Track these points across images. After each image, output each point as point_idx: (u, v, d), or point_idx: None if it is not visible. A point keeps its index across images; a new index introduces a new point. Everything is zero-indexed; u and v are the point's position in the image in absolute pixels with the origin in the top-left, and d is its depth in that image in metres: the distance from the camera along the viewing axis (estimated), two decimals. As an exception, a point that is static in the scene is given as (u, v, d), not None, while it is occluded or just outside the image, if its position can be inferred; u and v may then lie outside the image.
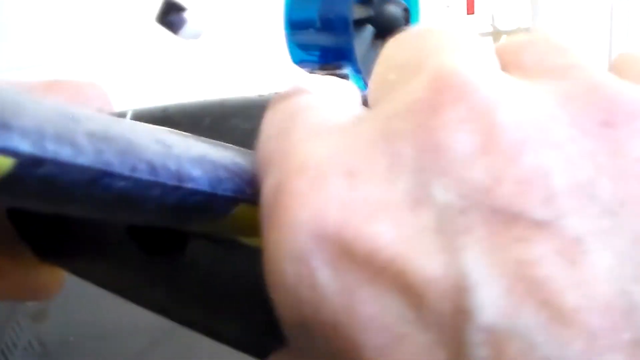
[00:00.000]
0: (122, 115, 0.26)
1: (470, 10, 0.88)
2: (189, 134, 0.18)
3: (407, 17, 0.23)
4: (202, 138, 0.18)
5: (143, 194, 0.13)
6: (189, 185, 0.14)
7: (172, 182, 0.13)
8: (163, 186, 0.13)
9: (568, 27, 0.67)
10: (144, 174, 0.13)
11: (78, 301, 0.64)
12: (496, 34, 0.91)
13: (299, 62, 0.23)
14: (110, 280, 0.28)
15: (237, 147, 0.19)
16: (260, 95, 0.24)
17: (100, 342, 0.63)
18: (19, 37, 0.83)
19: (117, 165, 0.12)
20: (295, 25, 0.22)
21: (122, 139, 0.13)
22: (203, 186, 0.14)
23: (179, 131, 0.18)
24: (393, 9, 0.22)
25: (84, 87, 0.30)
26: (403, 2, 0.23)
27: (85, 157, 0.12)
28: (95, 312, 0.63)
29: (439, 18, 0.89)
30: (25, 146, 0.10)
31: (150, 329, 0.59)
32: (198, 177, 0.14)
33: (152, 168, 0.13)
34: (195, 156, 0.14)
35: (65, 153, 0.11)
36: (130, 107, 0.29)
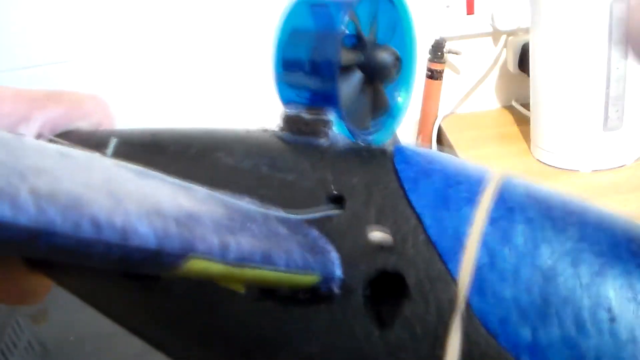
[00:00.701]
0: (107, 141, 0.25)
1: (470, 10, 0.88)
2: (156, 173, 0.18)
3: (398, 65, 0.23)
4: (173, 180, 0.18)
5: (86, 251, 0.13)
6: (134, 242, 0.13)
7: (116, 240, 0.13)
8: (106, 244, 0.13)
9: (568, 27, 0.67)
10: (87, 232, 0.12)
11: (78, 301, 0.64)
12: (496, 34, 0.91)
13: (287, 101, 0.23)
14: (93, 298, 0.28)
15: (208, 192, 0.18)
16: (247, 130, 0.24)
17: (100, 342, 0.63)
18: (19, 37, 0.83)
19: (59, 223, 0.12)
20: (286, 65, 0.22)
21: (69, 195, 0.13)
22: (148, 243, 0.14)
23: (153, 171, 0.18)
24: (384, 56, 0.22)
25: (85, 100, 0.30)
26: (395, 49, 0.23)
27: (26, 217, 0.11)
28: (95, 312, 0.63)
29: (439, 18, 0.89)
30: None
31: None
32: (144, 233, 0.13)
33: (97, 225, 0.13)
34: (147, 210, 0.14)
35: (5, 214, 0.11)
36: (127, 121, 0.29)
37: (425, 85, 0.87)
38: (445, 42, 0.85)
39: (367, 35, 0.23)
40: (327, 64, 0.21)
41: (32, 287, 0.27)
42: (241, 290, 0.18)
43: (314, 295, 0.18)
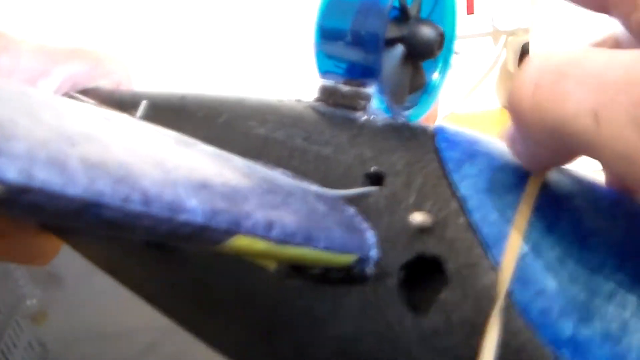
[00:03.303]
0: (136, 103, 0.24)
1: (470, 10, 0.88)
2: (199, 142, 0.18)
3: (441, 42, 0.22)
4: (212, 150, 0.17)
5: (133, 223, 0.12)
6: (182, 217, 0.13)
7: (165, 214, 0.13)
8: (155, 218, 0.12)
9: (568, 28, 0.67)
10: (136, 205, 0.12)
11: (78, 301, 0.64)
12: (496, 34, 0.91)
13: (325, 72, 0.22)
14: (106, 261, 0.27)
15: (247, 163, 0.18)
16: (280, 100, 0.23)
17: (100, 342, 0.63)
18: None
19: (109, 195, 0.12)
20: (326, 35, 0.21)
21: (119, 164, 0.12)
22: (196, 218, 0.13)
23: (190, 139, 0.18)
24: (428, 32, 0.21)
25: (106, 60, 0.29)
26: (439, 26, 0.22)
27: (76, 187, 0.11)
28: (95, 312, 0.63)
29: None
30: (12, 174, 0.10)
31: (150, 329, 0.59)
32: (193, 208, 0.13)
33: (146, 198, 0.12)
34: (195, 183, 0.14)
35: (54, 182, 0.11)
36: (148, 87, 0.29)
37: (425, 85, 0.87)
38: (445, 42, 0.85)
39: (410, 7, 0.22)
40: (372, 36, 0.20)
41: (41, 247, 0.27)
42: (272, 266, 0.17)
43: (346, 276, 0.18)
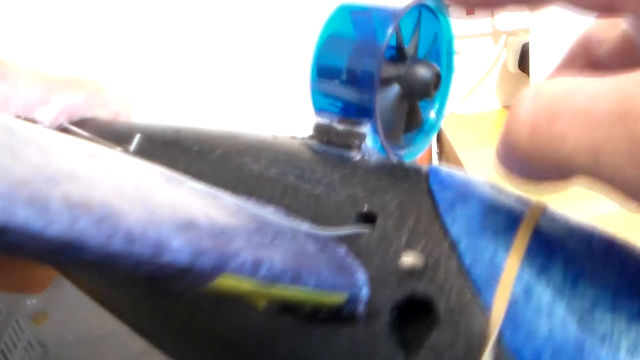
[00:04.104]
0: (131, 135, 0.24)
1: (470, 10, 0.88)
2: (188, 180, 0.17)
3: (438, 81, 0.22)
4: (201, 188, 0.17)
5: (115, 263, 0.12)
6: (166, 256, 0.13)
7: (148, 254, 0.12)
8: (138, 257, 0.12)
9: (568, 28, 0.67)
10: (118, 245, 0.12)
11: (78, 301, 0.64)
12: (496, 34, 0.91)
13: (320, 110, 0.22)
14: (98, 294, 0.27)
15: (236, 201, 0.18)
16: (274, 137, 0.23)
17: (100, 342, 0.63)
18: (18, 38, 0.83)
19: (91, 234, 0.11)
20: (322, 73, 0.21)
21: (102, 203, 0.12)
22: (181, 258, 0.13)
23: (180, 176, 0.17)
24: (424, 72, 0.21)
25: (104, 89, 0.29)
26: (436, 66, 0.22)
27: (56, 227, 0.11)
28: (95, 313, 0.63)
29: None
30: None
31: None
32: (177, 248, 0.13)
33: (129, 238, 0.12)
34: (180, 222, 0.13)
35: (34, 222, 0.10)
36: (145, 118, 0.28)
37: (425, 85, 0.87)
38: (445, 42, 0.85)
39: (407, 46, 0.22)
40: (367, 75, 0.20)
41: (35, 276, 0.27)
42: (261, 305, 0.17)
43: (336, 315, 0.18)
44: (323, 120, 0.22)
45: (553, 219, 0.18)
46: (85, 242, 0.11)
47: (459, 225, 0.17)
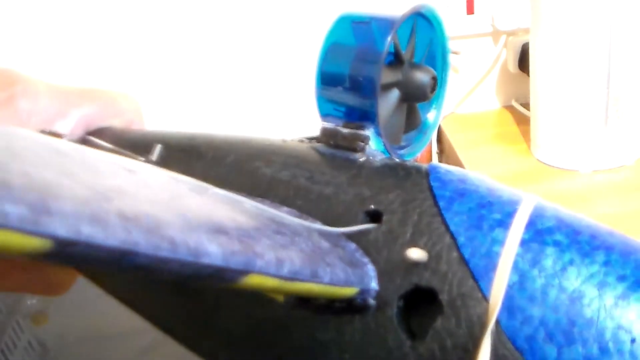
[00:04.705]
0: (147, 144, 0.26)
1: (470, 10, 0.88)
2: (211, 187, 0.19)
3: (434, 85, 0.23)
4: (223, 194, 0.19)
5: (162, 267, 0.14)
6: (204, 260, 0.14)
7: (189, 259, 0.14)
8: (181, 262, 0.14)
9: (568, 27, 0.67)
10: (165, 252, 0.13)
11: (78, 302, 0.64)
12: (496, 34, 0.91)
13: (325, 115, 0.23)
14: (120, 292, 0.28)
15: (256, 205, 0.19)
16: (284, 141, 0.25)
17: (100, 342, 0.63)
18: (18, 38, 0.83)
19: (143, 244, 0.13)
20: (326, 81, 0.23)
21: (149, 216, 0.14)
22: (216, 261, 0.15)
23: (203, 184, 0.19)
24: (421, 76, 0.23)
25: (118, 98, 0.30)
26: (432, 70, 0.23)
27: (115, 239, 0.12)
28: (95, 313, 0.63)
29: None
30: (62, 230, 0.11)
31: (150, 329, 0.59)
32: (213, 252, 0.15)
33: (173, 246, 0.14)
34: (213, 229, 0.15)
35: (97, 236, 0.12)
36: (157, 126, 0.29)
37: (425, 85, 0.87)
38: (445, 42, 0.85)
39: (405, 52, 0.23)
40: (368, 82, 0.21)
41: (58, 277, 0.27)
42: (280, 298, 0.18)
43: (349, 306, 0.19)
44: (329, 124, 0.23)
45: (544, 210, 0.19)
46: (137, 250, 0.13)
47: (458, 219, 0.19)
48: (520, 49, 0.87)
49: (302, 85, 0.88)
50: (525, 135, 0.81)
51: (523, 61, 0.85)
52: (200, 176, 0.20)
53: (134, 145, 0.26)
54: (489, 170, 0.76)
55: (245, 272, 0.15)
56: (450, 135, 0.87)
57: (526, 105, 0.84)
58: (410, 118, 0.24)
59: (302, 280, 0.17)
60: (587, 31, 0.66)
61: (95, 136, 0.28)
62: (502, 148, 0.82)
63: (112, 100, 0.30)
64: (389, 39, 0.21)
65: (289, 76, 0.88)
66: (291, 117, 0.91)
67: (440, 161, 0.93)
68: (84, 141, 0.27)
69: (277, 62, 0.88)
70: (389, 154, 0.23)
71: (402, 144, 0.25)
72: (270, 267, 0.16)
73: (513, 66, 0.89)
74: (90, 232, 0.12)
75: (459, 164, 0.81)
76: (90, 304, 0.63)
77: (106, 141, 0.27)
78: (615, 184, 0.69)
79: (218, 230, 0.15)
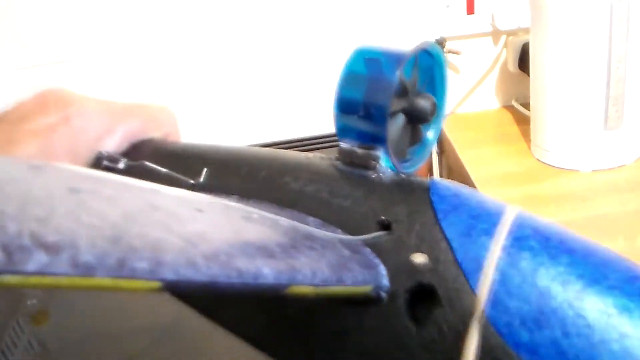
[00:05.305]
0: (188, 159, 0.31)
1: (470, 10, 0.88)
2: (255, 210, 0.24)
3: (434, 110, 0.27)
4: (266, 217, 0.24)
5: (231, 290, 0.18)
6: (261, 281, 0.19)
7: (251, 281, 0.18)
8: (245, 285, 0.18)
9: (568, 27, 0.67)
10: (234, 279, 0.18)
11: (78, 301, 0.64)
12: (496, 34, 0.91)
13: (343, 137, 0.27)
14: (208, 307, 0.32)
15: (291, 224, 0.24)
16: (307, 157, 0.29)
17: (100, 342, 0.63)
18: (19, 38, 0.83)
19: (220, 276, 0.18)
20: (343, 108, 0.27)
21: (222, 253, 0.18)
22: (269, 280, 0.19)
23: (249, 209, 0.24)
24: (424, 103, 0.27)
25: (157, 112, 0.33)
26: (433, 97, 0.27)
27: (202, 275, 0.17)
28: (95, 313, 0.63)
29: (439, 18, 0.89)
30: (168, 275, 0.16)
31: (150, 329, 0.59)
32: (267, 274, 0.19)
33: (240, 273, 0.18)
34: (266, 253, 0.20)
35: (190, 276, 0.17)
36: (192, 139, 0.33)
37: (425, 85, 0.87)
38: (445, 41, 0.85)
39: (409, 81, 0.27)
40: (379, 112, 0.26)
41: None
42: (312, 295, 0.22)
43: (365, 300, 0.23)
44: (345, 145, 0.28)
45: (522, 220, 0.23)
46: (217, 281, 0.17)
47: (452, 229, 0.23)
48: (520, 49, 0.87)
49: (303, 87, 0.88)
50: (525, 135, 0.81)
51: (523, 61, 0.85)
52: (239, 190, 0.26)
53: (177, 160, 0.31)
54: (489, 170, 0.76)
55: (288, 285, 0.20)
56: (450, 135, 0.87)
57: (526, 105, 0.84)
58: (413, 136, 0.28)
59: (330, 285, 0.21)
60: (587, 31, 0.66)
61: (136, 149, 0.32)
62: (502, 148, 0.82)
63: (152, 115, 0.33)
64: (397, 74, 0.25)
65: (290, 79, 0.88)
66: (291, 117, 0.91)
67: (440, 161, 0.93)
68: (140, 165, 0.31)
69: (279, 66, 0.88)
70: (396, 170, 0.27)
71: (407, 157, 0.29)
72: (307, 279, 0.20)
73: (513, 66, 0.89)
74: (185, 273, 0.17)
75: (459, 163, 0.81)
76: (90, 304, 0.63)
77: (150, 155, 0.31)
78: (615, 183, 0.69)
79: (269, 255, 0.20)
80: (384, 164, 0.27)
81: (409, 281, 0.23)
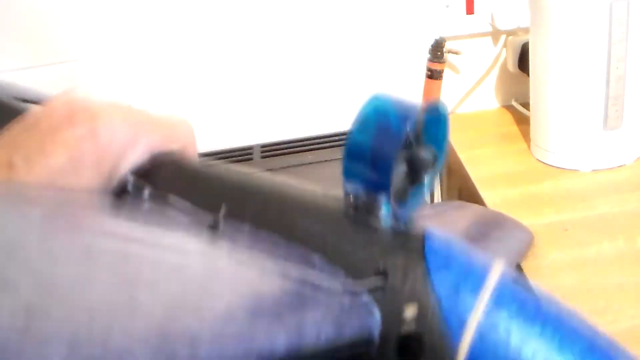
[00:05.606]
0: (214, 205, 0.31)
1: (470, 10, 0.88)
2: (270, 262, 0.26)
3: (435, 161, 0.30)
4: (278, 269, 0.26)
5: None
6: (277, 354, 0.21)
7: (266, 353, 0.21)
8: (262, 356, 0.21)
9: (568, 27, 0.67)
10: (254, 357, 0.21)
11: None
12: (496, 34, 0.91)
13: (348, 180, 0.29)
14: None
15: (302, 273, 0.26)
16: (315, 196, 0.31)
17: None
18: (22, 37, 0.83)
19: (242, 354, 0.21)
20: (351, 155, 0.29)
21: (246, 339, 0.21)
22: (281, 348, 0.22)
23: (265, 263, 0.26)
24: (425, 154, 0.30)
25: (177, 125, 0.34)
26: (434, 149, 0.30)
27: (233, 350, 0.20)
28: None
29: (439, 18, 0.89)
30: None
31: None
32: (280, 344, 0.22)
33: (260, 346, 0.21)
34: (283, 328, 0.22)
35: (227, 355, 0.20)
36: (208, 161, 0.34)
37: (425, 85, 0.87)
38: (445, 41, 0.85)
39: (414, 133, 0.28)
40: (385, 165, 0.28)
41: None
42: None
43: (360, 342, 0.25)
44: (350, 189, 0.29)
45: (505, 284, 0.26)
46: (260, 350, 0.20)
47: (442, 285, 0.26)
48: (519, 49, 0.87)
49: (303, 87, 0.89)
50: (525, 135, 0.81)
51: (523, 61, 0.85)
52: (253, 224, 0.29)
53: (196, 189, 0.32)
54: (488, 170, 0.76)
55: (295, 345, 0.22)
56: (450, 135, 0.87)
57: (526, 105, 0.84)
58: (413, 182, 0.31)
59: (331, 339, 0.24)
60: (587, 31, 0.66)
61: (158, 167, 0.33)
62: (502, 148, 0.82)
63: (172, 127, 0.33)
64: (403, 135, 0.27)
65: (291, 79, 0.88)
66: (291, 117, 0.91)
67: (440, 161, 0.93)
68: (163, 198, 0.32)
69: (280, 66, 0.88)
70: (397, 217, 0.29)
71: (407, 198, 0.31)
72: (312, 338, 0.23)
73: (513, 66, 0.89)
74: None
75: (459, 163, 0.81)
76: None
77: (170, 177, 0.33)
78: (615, 183, 0.69)
79: (282, 323, 0.23)
80: (384, 210, 0.29)
81: (400, 330, 0.26)
